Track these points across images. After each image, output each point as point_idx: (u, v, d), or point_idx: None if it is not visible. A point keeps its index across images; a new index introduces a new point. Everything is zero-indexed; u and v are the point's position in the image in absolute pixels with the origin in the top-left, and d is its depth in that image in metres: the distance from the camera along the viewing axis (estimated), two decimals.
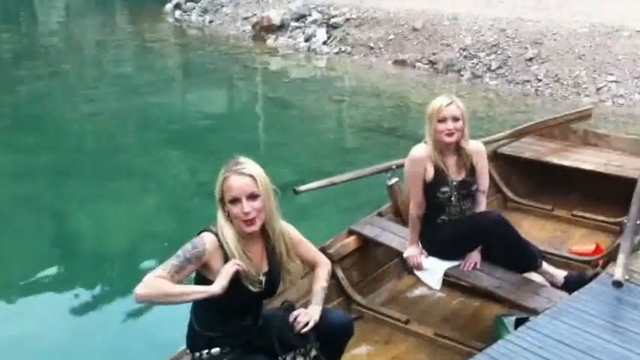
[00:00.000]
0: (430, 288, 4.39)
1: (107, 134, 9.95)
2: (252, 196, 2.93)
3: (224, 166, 3.01)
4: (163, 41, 16.21)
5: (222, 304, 2.95)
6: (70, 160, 8.68)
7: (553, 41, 12.58)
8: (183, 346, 3.24)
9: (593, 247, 5.01)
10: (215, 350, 3.05)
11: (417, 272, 4.35)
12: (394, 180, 5.01)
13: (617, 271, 3.66)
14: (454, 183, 4.17)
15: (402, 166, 4.66)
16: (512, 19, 13.66)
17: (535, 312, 3.82)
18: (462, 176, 4.20)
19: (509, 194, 5.84)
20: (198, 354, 3.08)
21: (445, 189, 4.15)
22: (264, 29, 15.26)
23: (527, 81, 12.00)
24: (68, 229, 7.00)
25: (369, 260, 4.74)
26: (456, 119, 4.09)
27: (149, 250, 5.98)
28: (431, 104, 4.16)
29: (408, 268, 4.58)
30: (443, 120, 4.08)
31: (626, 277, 3.68)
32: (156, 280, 2.85)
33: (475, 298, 4.57)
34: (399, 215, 4.97)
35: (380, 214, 4.93)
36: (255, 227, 2.97)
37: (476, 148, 4.29)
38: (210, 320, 3.01)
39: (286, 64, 14.12)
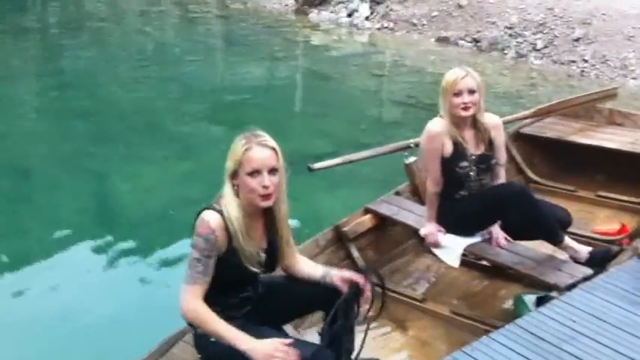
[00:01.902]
0: (448, 266, 4.27)
1: (148, 101, 9.96)
2: (273, 170, 2.81)
3: (240, 137, 2.87)
4: (206, 12, 16.16)
5: (221, 282, 2.86)
6: (110, 124, 8.73)
7: (602, 22, 12.24)
8: None
9: (617, 226, 4.86)
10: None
11: (434, 250, 4.24)
12: (412, 159, 4.87)
13: None
14: (473, 157, 4.03)
15: (420, 144, 4.53)
16: None
17: (557, 288, 3.72)
18: (480, 150, 4.07)
19: (532, 175, 5.67)
20: (199, 329, 2.94)
21: (464, 163, 4.01)
22: (307, 3, 15.12)
23: (573, 61, 11.69)
24: (105, 189, 7.03)
25: (386, 239, 4.64)
26: (471, 92, 3.94)
27: (182, 212, 5.92)
28: (445, 77, 4.01)
29: (425, 247, 4.47)
30: (459, 93, 3.93)
31: None
32: (200, 308, 2.79)
33: (494, 277, 4.45)
34: (417, 194, 4.84)
35: (397, 193, 4.82)
36: (270, 202, 2.84)
37: (493, 121, 4.15)
38: (210, 295, 2.87)
39: (328, 38, 13.97)
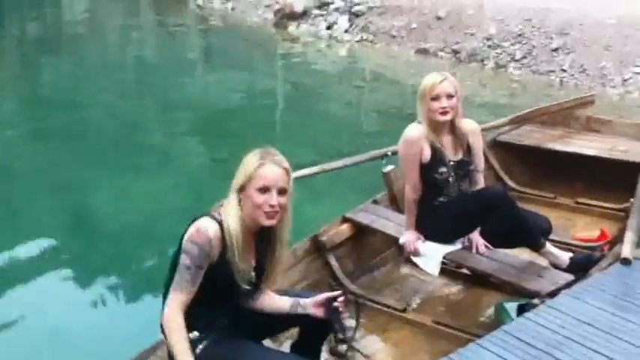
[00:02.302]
0: (428, 275, 4.22)
1: (127, 114, 9.91)
2: (283, 191, 2.77)
3: (254, 152, 2.81)
4: (185, 27, 16.15)
5: (206, 293, 2.76)
6: (88, 137, 8.66)
7: (580, 32, 12.30)
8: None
9: (598, 233, 4.83)
10: (193, 335, 2.79)
11: (414, 258, 4.18)
12: (390, 167, 4.83)
13: (625, 248, 3.51)
14: (452, 163, 3.99)
15: (397, 152, 4.49)
16: (539, 8, 13.39)
17: (539, 295, 3.68)
18: (459, 156, 4.03)
19: (510, 183, 5.63)
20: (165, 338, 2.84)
21: (443, 169, 3.97)
22: (287, 16, 15.12)
23: (552, 71, 11.74)
24: (84, 201, 6.93)
25: (364, 248, 4.58)
26: (450, 96, 3.90)
27: (164, 223, 5.93)
28: (423, 81, 3.96)
29: (404, 255, 4.42)
30: (436, 98, 3.89)
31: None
32: (177, 320, 2.70)
33: (475, 286, 4.40)
34: (395, 203, 4.78)
35: (375, 202, 4.76)
36: (274, 222, 2.78)
37: (470, 126, 4.12)
38: (192, 304, 2.77)
39: (307, 50, 13.97)
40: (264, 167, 2.75)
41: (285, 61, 13.56)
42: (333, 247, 4.34)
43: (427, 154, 3.97)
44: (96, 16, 17.82)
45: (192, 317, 2.76)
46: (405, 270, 4.59)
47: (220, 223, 2.75)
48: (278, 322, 3.06)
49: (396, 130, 4.10)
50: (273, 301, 3.02)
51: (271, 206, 2.74)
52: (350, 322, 3.03)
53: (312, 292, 3.11)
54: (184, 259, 2.71)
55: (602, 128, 6.02)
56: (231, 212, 2.77)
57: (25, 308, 4.89)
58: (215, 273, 2.76)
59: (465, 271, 4.42)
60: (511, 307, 3.85)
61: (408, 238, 4.13)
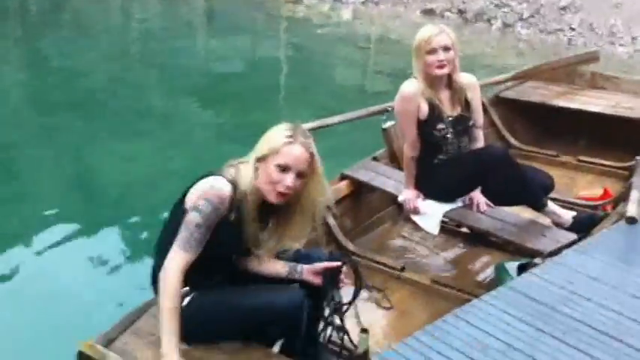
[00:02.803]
0: (427, 234, 4.11)
1: (129, 78, 9.79)
2: (301, 174, 2.65)
3: (286, 126, 2.68)
4: None
5: (205, 259, 2.64)
6: (91, 102, 8.53)
7: None
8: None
9: (600, 191, 4.71)
10: (184, 289, 2.68)
11: (413, 217, 4.07)
12: (389, 123, 4.68)
13: (631, 207, 3.41)
14: (450, 119, 3.86)
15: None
16: None
17: (540, 254, 3.56)
18: (457, 111, 3.90)
19: (512, 141, 5.51)
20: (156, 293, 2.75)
21: (441, 126, 3.84)
22: None
23: (560, 30, 11.56)
24: (88, 165, 6.84)
25: (363, 206, 4.46)
26: (446, 49, 3.75)
27: (165, 185, 5.81)
28: (418, 35, 3.81)
29: (404, 214, 4.31)
30: (432, 51, 3.75)
31: None
32: (176, 282, 2.57)
33: (474, 245, 4.29)
34: (395, 160, 4.65)
35: (375, 159, 4.63)
36: (282, 201, 2.67)
37: (469, 80, 3.98)
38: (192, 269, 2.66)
39: (311, 13, 13.77)
40: (291, 146, 2.63)
41: (287, 23, 13.38)
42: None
43: (424, 111, 3.84)
44: None
45: (186, 273, 2.64)
46: (404, 229, 4.48)
47: (234, 185, 2.64)
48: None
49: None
50: (270, 264, 2.92)
51: (286, 187, 2.62)
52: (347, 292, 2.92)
53: (323, 250, 2.99)
54: (195, 217, 2.58)
55: (606, 85, 5.91)
56: (246, 178, 2.66)
57: (25, 268, 4.86)
58: (217, 234, 2.64)
59: (464, 230, 4.32)
60: (511, 266, 3.72)
61: (408, 196, 4.03)
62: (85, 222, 5.61)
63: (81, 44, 11.63)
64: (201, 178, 2.69)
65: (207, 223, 2.59)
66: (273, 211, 2.80)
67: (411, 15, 13.04)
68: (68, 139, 7.26)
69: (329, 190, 2.90)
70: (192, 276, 2.66)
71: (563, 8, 11.86)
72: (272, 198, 2.66)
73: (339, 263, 2.84)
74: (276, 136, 2.66)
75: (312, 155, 2.66)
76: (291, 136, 2.64)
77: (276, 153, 2.62)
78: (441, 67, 3.76)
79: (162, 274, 2.59)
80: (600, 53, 6.26)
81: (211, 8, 14.87)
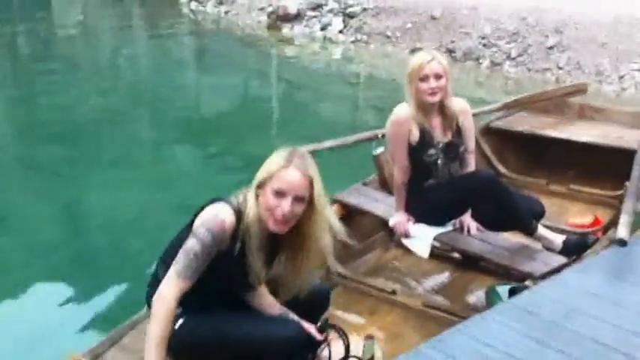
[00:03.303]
0: (418, 258, 4.09)
1: (121, 114, 9.74)
2: (300, 199, 2.56)
3: (283, 151, 2.63)
4: (178, 29, 16.03)
5: (204, 287, 2.61)
6: (83, 137, 8.49)
7: (575, 30, 12.26)
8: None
9: (591, 219, 4.73)
10: (178, 311, 2.64)
11: (404, 240, 4.06)
12: (380, 149, 4.70)
13: (621, 229, 3.40)
14: (440, 145, 3.87)
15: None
16: (533, 8, 13.36)
17: (531, 276, 3.55)
18: (448, 137, 3.90)
19: (502, 170, 5.54)
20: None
21: (432, 151, 3.85)
22: (280, 18, 15.03)
23: (548, 69, 11.67)
24: (77, 196, 6.81)
25: (354, 231, 4.38)
26: (438, 77, 3.77)
27: (155, 219, 5.87)
28: (411, 62, 3.84)
29: (394, 238, 4.29)
30: (425, 78, 3.77)
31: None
32: (169, 310, 2.53)
33: (465, 271, 4.29)
34: (386, 186, 4.65)
35: (365, 184, 4.65)
36: (283, 229, 2.59)
37: (460, 106, 3.99)
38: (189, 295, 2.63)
39: (302, 51, 13.88)
40: (286, 170, 2.56)
41: (278, 61, 13.46)
42: None
43: (415, 136, 3.85)
44: (88, 20, 17.80)
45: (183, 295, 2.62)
46: (396, 253, 4.48)
47: (238, 214, 2.59)
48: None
49: None
50: (266, 302, 2.85)
51: (283, 213, 2.55)
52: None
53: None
54: (194, 245, 2.53)
55: (595, 116, 5.96)
56: (250, 206, 2.60)
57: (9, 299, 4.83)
58: (219, 266, 2.60)
59: (455, 255, 4.32)
60: (503, 290, 3.71)
61: (398, 219, 4.02)
62: (71, 253, 5.55)
63: (70, 80, 11.66)
64: (213, 201, 2.64)
65: (206, 252, 2.54)
66: (283, 244, 2.72)
67: (400, 54, 13.14)
68: (55, 171, 7.25)
69: (334, 217, 2.80)
70: (187, 299, 2.60)
71: (551, 47, 11.99)
72: (271, 225, 2.58)
73: (322, 337, 2.78)
74: (273, 160, 2.61)
75: (309, 178, 2.58)
76: (287, 160, 2.57)
77: (272, 178, 2.56)
78: (432, 94, 3.78)
79: (156, 299, 2.55)
80: (588, 86, 6.35)
81: (202, 48, 14.98)
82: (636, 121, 5.69)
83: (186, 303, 2.62)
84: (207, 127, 9.25)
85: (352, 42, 14.06)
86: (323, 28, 14.49)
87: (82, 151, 7.90)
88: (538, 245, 3.94)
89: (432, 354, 2.58)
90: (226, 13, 16.51)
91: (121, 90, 11.20)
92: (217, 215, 2.56)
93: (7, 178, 7.18)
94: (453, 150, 3.92)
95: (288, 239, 2.70)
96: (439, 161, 3.87)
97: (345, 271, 4.11)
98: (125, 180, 7.05)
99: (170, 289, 2.53)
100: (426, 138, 3.84)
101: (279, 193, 2.55)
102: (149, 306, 2.71)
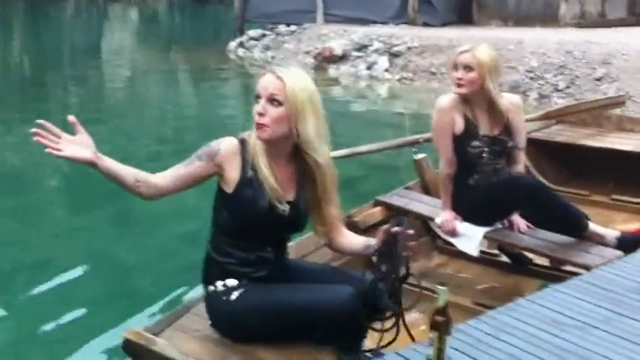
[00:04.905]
0: (465, 261, 4.03)
1: (168, 160, 9.73)
2: (273, 101, 2.59)
3: None
4: (225, 73, 16.28)
5: (237, 223, 2.68)
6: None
7: (623, 61, 12.21)
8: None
9: (637, 227, 4.59)
10: (231, 282, 2.70)
11: (451, 239, 4.01)
12: (421, 155, 4.70)
13: None
14: (485, 138, 3.83)
15: (430, 139, 4.38)
16: (579, 41, 13.32)
17: (587, 268, 3.45)
18: (495, 132, 3.86)
19: (543, 181, 5.44)
20: (212, 287, 2.74)
21: (476, 143, 3.82)
22: (326, 60, 15.18)
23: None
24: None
25: None
26: (468, 68, 3.76)
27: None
28: None
29: (440, 237, 4.23)
30: (455, 67, 3.80)
31: None
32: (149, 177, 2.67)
33: (513, 273, 4.20)
34: (428, 191, 4.64)
35: (407, 189, 4.63)
36: (264, 135, 2.61)
37: (511, 101, 3.96)
38: (226, 243, 2.71)
39: (348, 90, 13.96)
40: (263, 77, 2.66)
41: (325, 100, 13.44)
42: (366, 229, 4.17)
43: (460, 126, 3.84)
44: (137, 65, 18.15)
45: (228, 259, 2.70)
46: (440, 255, 4.44)
47: (242, 141, 2.69)
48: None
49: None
50: (350, 239, 2.92)
51: (258, 114, 2.61)
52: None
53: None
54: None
55: (635, 127, 5.96)
56: (253, 130, 2.69)
57: None
58: (241, 194, 2.65)
59: (503, 258, 4.23)
60: None
61: (446, 217, 3.96)
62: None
63: (120, 124, 11.82)
64: None
65: (198, 154, 2.67)
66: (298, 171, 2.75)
67: (446, 90, 13.13)
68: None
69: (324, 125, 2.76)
70: (238, 267, 2.68)
71: (599, 79, 11.90)
72: (256, 134, 2.64)
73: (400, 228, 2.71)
74: None
75: (281, 80, 2.60)
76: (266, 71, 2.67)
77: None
78: (458, 85, 3.77)
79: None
80: (626, 98, 6.32)
81: (251, 88, 15.17)
82: None
83: (238, 270, 2.70)
84: None
85: (398, 80, 14.14)
86: (369, 68, 14.59)
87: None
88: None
89: (505, 319, 2.66)
90: (273, 57, 16.75)
91: (166, 135, 11.31)
92: (216, 139, 2.70)
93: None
94: (500, 145, 3.88)
95: (297, 161, 2.74)
96: (484, 154, 3.84)
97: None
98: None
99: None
100: (470, 128, 3.82)
101: (256, 98, 2.63)
102: (205, 282, 2.79)
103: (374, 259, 2.72)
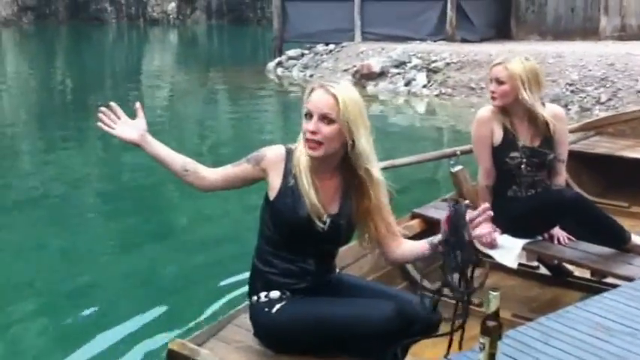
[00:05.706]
0: (502, 275, 4.00)
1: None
2: (326, 119, 2.60)
3: None
4: (265, 92, 16.41)
5: (278, 231, 2.73)
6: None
7: None
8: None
9: None
10: (274, 293, 2.75)
11: (490, 252, 3.96)
12: (458, 167, 4.68)
13: None
14: (524, 149, 3.81)
15: (467, 152, 4.38)
16: (620, 53, 13.19)
17: (630, 280, 3.40)
18: (535, 143, 3.84)
19: (582, 193, 5.39)
20: (255, 297, 2.80)
21: (515, 154, 3.81)
22: (365, 77, 15.24)
23: None
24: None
25: None
26: (499, 82, 3.76)
27: None
28: None
29: (478, 249, 4.20)
30: (490, 80, 3.81)
31: None
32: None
33: (553, 286, 4.18)
34: None
35: (444, 200, 4.61)
36: (315, 153, 2.63)
37: (553, 112, 3.93)
38: (269, 253, 2.76)
39: (386, 106, 13.98)
40: (312, 93, 2.65)
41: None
42: None
43: (498, 136, 3.84)
44: (177, 87, 18.35)
45: (271, 269, 2.74)
46: (479, 267, 4.36)
47: (289, 151, 2.74)
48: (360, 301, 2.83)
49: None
50: (408, 245, 2.97)
51: (310, 132, 2.61)
52: None
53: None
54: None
55: None
56: (298, 143, 2.74)
57: None
58: (281, 198, 2.71)
59: (542, 270, 4.20)
60: None
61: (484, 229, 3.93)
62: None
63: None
64: None
65: (248, 157, 2.76)
66: (345, 185, 2.77)
67: (484, 103, 13.08)
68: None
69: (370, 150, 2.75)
70: (279, 278, 2.74)
71: None
72: (307, 151, 2.65)
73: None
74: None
75: (334, 97, 2.59)
76: (314, 87, 2.68)
77: (304, 106, 2.67)
78: (492, 97, 3.79)
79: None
80: None
81: (290, 107, 15.28)
82: None
83: (278, 281, 2.75)
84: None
85: (436, 95, 14.13)
86: (407, 84, 14.62)
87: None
88: None
89: (554, 325, 2.72)
90: (311, 76, 16.86)
91: (212, 147, 11.47)
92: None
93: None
94: (539, 157, 3.86)
95: (343, 175, 2.76)
96: (522, 166, 3.82)
97: (429, 285, 4.04)
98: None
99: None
100: (509, 139, 3.82)
101: (307, 115, 2.64)
102: (250, 292, 2.85)
103: (440, 249, 2.74)
